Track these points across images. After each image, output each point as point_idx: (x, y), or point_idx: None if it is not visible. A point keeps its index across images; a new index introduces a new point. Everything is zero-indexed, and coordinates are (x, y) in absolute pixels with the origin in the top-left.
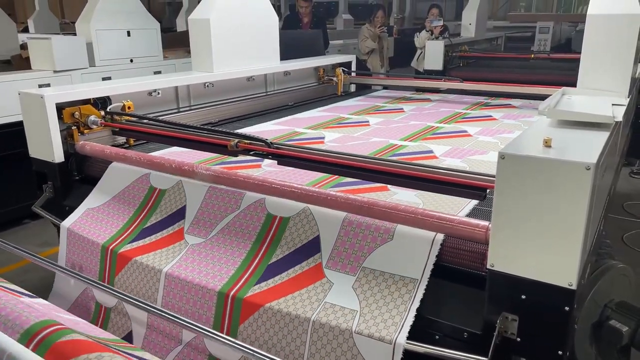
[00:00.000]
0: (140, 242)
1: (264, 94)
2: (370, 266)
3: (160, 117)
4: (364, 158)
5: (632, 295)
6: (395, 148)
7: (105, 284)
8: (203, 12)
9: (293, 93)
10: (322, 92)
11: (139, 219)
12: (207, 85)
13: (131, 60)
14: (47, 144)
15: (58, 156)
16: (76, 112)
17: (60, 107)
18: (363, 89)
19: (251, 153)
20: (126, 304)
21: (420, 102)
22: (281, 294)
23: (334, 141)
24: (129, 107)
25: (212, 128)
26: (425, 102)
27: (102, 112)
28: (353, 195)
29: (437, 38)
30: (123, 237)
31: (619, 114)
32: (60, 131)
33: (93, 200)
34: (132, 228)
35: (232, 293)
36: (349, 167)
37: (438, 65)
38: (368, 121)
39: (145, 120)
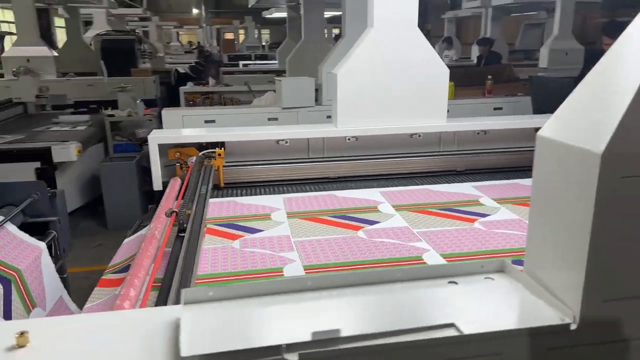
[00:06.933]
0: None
1: (432, 153)
2: None
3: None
4: None
5: None
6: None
7: None
8: (334, 65)
9: (478, 157)
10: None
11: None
12: (349, 139)
13: None
14: (154, 175)
15: (157, 185)
16: (177, 152)
17: (164, 147)
18: None
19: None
20: None
21: None
22: None
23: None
24: (219, 154)
25: None
26: None
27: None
28: None
29: None
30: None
31: None
32: (164, 166)
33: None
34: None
35: None
36: None
37: None
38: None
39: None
